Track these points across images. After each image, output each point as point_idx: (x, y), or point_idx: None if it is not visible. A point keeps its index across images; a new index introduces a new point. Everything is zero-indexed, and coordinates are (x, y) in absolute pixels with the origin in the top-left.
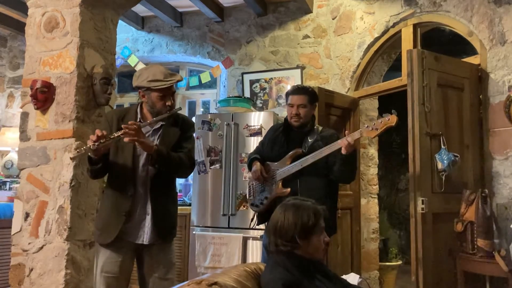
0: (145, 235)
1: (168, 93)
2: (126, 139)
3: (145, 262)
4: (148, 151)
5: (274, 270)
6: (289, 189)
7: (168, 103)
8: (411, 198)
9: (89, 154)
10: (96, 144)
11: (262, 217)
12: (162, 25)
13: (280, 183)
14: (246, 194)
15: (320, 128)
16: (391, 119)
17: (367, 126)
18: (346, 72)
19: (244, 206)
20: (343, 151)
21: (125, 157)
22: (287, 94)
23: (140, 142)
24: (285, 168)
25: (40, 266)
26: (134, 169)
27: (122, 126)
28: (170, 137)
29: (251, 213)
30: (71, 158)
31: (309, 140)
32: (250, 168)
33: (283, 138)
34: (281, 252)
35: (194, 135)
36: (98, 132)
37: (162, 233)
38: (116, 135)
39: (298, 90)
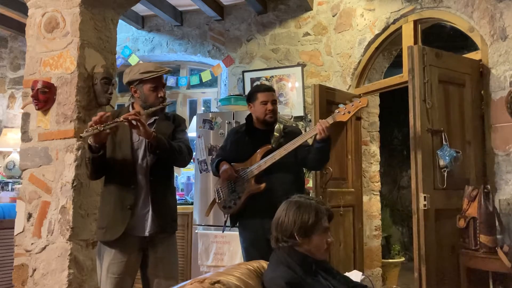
0: (147, 227)
1: (160, 84)
2: (130, 118)
3: (150, 262)
4: (148, 137)
5: (276, 268)
6: (264, 184)
7: (161, 94)
8: (413, 194)
9: (89, 142)
10: (102, 126)
11: (235, 219)
12: (162, 24)
13: (253, 180)
14: (215, 198)
15: (282, 126)
16: (362, 101)
17: (338, 111)
18: (347, 69)
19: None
20: (318, 136)
21: (123, 152)
22: (255, 93)
23: (143, 125)
24: (256, 164)
25: (43, 266)
26: (134, 163)
27: (122, 116)
28: (164, 130)
29: None
30: (81, 137)
31: (275, 136)
32: (217, 172)
33: (248, 139)
34: (282, 248)
35: (195, 134)
36: (103, 114)
37: (162, 223)
38: (119, 119)
39: (267, 88)
